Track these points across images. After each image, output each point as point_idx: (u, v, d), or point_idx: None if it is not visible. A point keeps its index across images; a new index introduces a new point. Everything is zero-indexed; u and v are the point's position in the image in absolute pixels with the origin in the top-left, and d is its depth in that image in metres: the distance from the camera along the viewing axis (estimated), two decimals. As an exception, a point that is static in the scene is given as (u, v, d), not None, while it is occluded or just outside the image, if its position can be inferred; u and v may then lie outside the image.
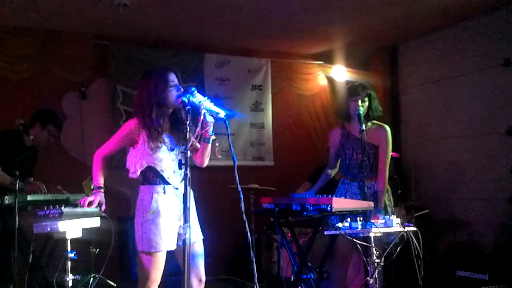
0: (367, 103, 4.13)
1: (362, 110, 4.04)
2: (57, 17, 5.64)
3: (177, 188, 3.16)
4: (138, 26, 6.04)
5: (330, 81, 7.59)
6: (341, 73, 7.29)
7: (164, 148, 3.14)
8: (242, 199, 2.81)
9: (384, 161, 4.10)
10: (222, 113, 3.00)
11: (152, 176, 3.15)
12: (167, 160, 3.15)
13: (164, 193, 3.13)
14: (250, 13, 5.72)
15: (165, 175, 3.13)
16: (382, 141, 4.13)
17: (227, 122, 2.98)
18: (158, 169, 3.12)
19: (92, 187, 3.26)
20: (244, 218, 2.79)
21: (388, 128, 4.19)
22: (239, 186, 2.82)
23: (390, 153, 4.15)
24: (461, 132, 6.27)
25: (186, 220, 2.76)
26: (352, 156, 4.18)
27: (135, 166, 3.15)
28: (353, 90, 4.19)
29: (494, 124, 5.86)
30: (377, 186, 4.06)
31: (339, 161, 4.35)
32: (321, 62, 7.56)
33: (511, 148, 5.64)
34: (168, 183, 3.14)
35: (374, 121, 4.22)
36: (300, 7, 5.56)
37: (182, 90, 3.16)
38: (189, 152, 2.82)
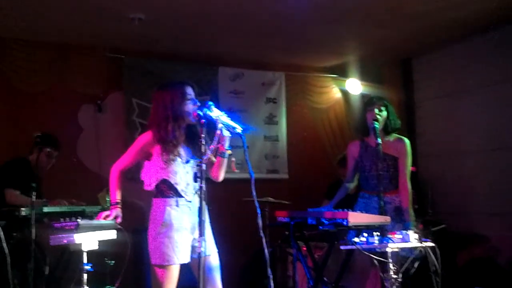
0: (384, 113, 4.12)
1: (380, 120, 4.03)
2: (73, 31, 5.71)
3: (190, 201, 3.16)
4: (153, 39, 6.08)
5: (345, 94, 7.58)
6: (355, 86, 7.27)
7: (179, 160, 3.15)
8: (259, 214, 2.81)
9: (405, 174, 4.08)
10: (238, 128, 3.01)
11: (166, 189, 3.15)
12: (181, 173, 3.15)
13: (177, 206, 3.13)
14: (263, 26, 5.74)
15: (178, 188, 3.13)
16: (402, 153, 4.12)
17: (243, 137, 2.98)
18: (172, 182, 3.13)
19: (107, 199, 3.28)
20: (261, 234, 2.77)
21: (407, 141, 4.19)
22: (256, 201, 2.81)
23: (410, 166, 4.12)
24: (475, 146, 6.21)
25: (201, 233, 2.76)
26: (371, 168, 4.15)
27: (150, 179, 3.17)
28: (370, 100, 4.25)
29: (508, 138, 5.79)
30: (398, 200, 4.03)
31: (359, 174, 4.32)
32: (335, 75, 7.55)
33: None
34: (181, 196, 3.14)
35: (394, 134, 4.21)
36: (313, 20, 5.57)
37: (198, 104, 3.17)
38: (204, 165, 2.82)
